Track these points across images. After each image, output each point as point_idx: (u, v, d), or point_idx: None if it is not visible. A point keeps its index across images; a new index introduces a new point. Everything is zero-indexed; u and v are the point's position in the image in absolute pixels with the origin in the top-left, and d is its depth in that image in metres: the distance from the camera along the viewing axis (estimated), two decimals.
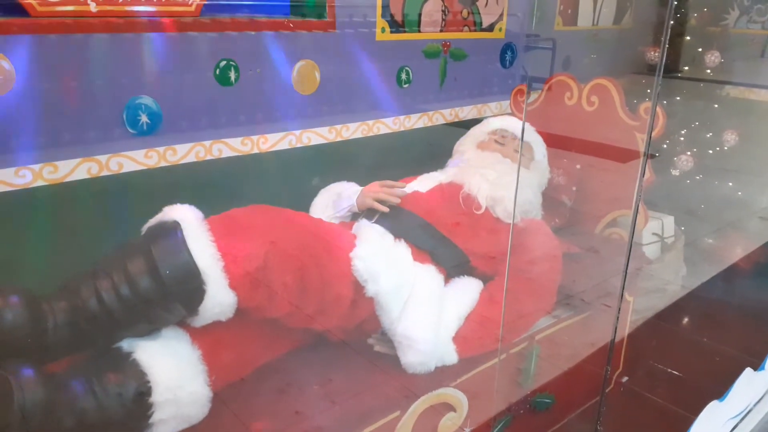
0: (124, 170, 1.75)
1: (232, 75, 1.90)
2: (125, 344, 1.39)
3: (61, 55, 1.60)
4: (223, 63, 1.87)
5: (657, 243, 2.86)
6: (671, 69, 3.91)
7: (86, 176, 1.69)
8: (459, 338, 1.75)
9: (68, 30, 1.59)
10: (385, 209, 1.90)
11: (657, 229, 2.81)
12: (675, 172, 3.21)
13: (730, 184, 3.81)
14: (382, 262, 1.68)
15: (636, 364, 2.50)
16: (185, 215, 1.45)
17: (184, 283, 1.37)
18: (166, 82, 1.79)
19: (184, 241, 1.38)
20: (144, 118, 1.75)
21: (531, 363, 1.99)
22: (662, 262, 2.91)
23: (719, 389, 2.00)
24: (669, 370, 2.65)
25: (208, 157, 1.90)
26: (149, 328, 1.40)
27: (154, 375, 1.34)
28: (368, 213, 1.93)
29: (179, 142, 1.84)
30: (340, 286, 1.62)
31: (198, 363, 1.43)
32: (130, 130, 1.74)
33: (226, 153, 1.94)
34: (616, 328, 1.69)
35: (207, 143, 1.89)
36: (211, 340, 1.48)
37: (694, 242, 3.22)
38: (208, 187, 1.90)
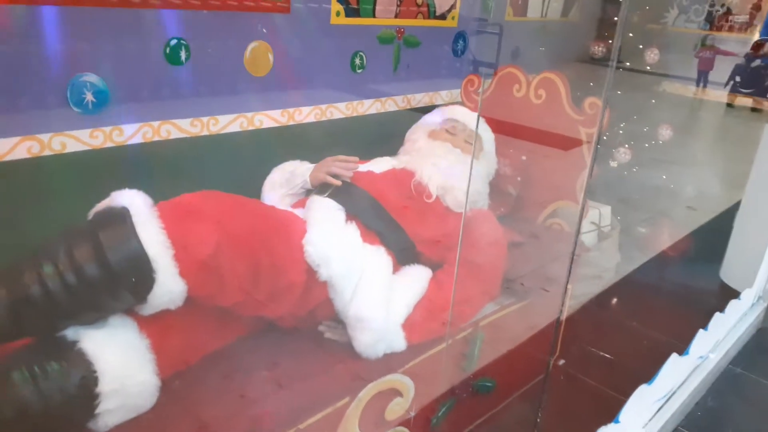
0: (68, 150, 1.68)
1: (183, 54, 1.84)
2: (70, 333, 1.35)
3: (0, 29, 1.52)
4: (174, 41, 1.82)
5: (594, 232, 2.98)
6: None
7: (26, 155, 1.61)
8: (407, 325, 1.79)
9: (8, 1, 1.51)
10: (338, 183, 1.90)
11: (595, 218, 2.93)
12: (613, 164, 3.35)
13: (663, 176, 4.01)
14: (334, 246, 1.69)
15: (572, 348, 2.62)
16: (134, 201, 1.41)
17: (134, 271, 1.34)
18: (114, 59, 1.72)
19: (133, 228, 1.35)
20: (89, 97, 1.68)
21: (475, 348, 2.06)
22: (599, 251, 3.04)
23: (647, 371, 2.12)
24: (602, 353, 2.80)
25: (156, 138, 1.85)
26: (96, 316, 1.37)
27: (101, 364, 1.31)
28: (321, 188, 1.93)
29: (126, 122, 1.78)
30: (293, 273, 1.62)
31: (146, 352, 1.41)
32: (75, 109, 1.67)
33: (175, 134, 1.89)
34: (563, 313, 1.76)
35: (155, 124, 1.84)
36: (159, 329, 1.45)
37: (626, 229, 3.37)
38: (156, 169, 1.85)
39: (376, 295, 1.73)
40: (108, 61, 1.71)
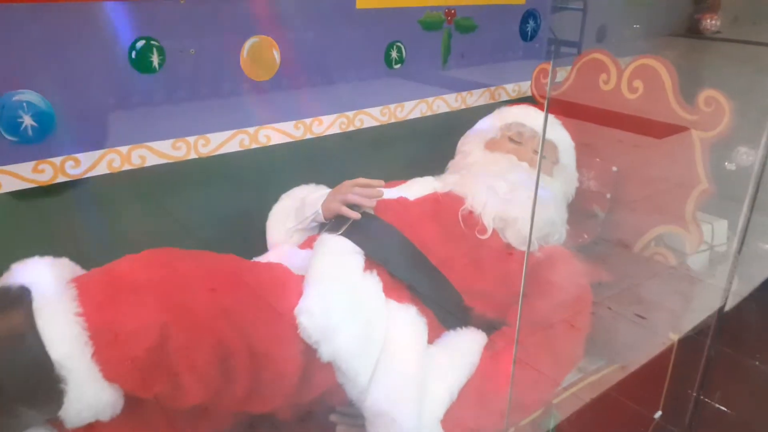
0: (4, 191, 1.31)
1: (155, 58, 1.43)
2: None
3: None
4: (141, 43, 1.40)
5: (705, 252, 2.37)
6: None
7: None
8: (450, 421, 1.29)
9: None
10: (356, 216, 1.44)
11: (707, 235, 2.32)
12: (730, 167, 2.68)
13: None
14: (340, 310, 1.23)
15: (675, 397, 2.07)
16: (39, 277, 1.00)
17: (31, 381, 0.94)
18: (59, 70, 1.33)
19: (31, 319, 0.94)
20: (28, 120, 1.30)
21: None
22: (712, 277, 2.43)
23: None
24: (715, 404, 2.22)
25: (126, 167, 1.45)
26: None
27: None
28: (336, 223, 1.47)
29: (83, 149, 1.39)
30: (284, 359, 1.18)
31: None
32: (8, 137, 1.29)
33: (152, 160, 1.49)
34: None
35: (123, 149, 1.44)
36: None
37: (747, 242, 2.73)
38: (125, 211, 1.46)
39: (403, 379, 1.25)
40: (51, 73, 1.32)
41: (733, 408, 2.12)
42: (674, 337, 1.85)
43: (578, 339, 1.52)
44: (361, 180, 1.50)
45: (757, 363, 2.36)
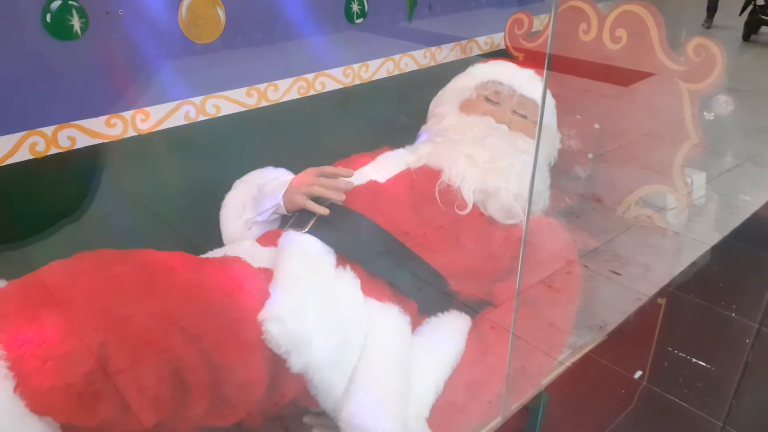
0: None
1: (76, 21, 1.22)
2: None
3: None
4: (57, 3, 1.19)
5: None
6: None
7: None
8: (437, 416, 1.18)
9: None
10: (324, 211, 1.28)
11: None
12: (709, 116, 2.59)
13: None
14: (313, 316, 1.09)
15: (655, 355, 2.01)
16: None
17: None
18: None
19: None
20: None
21: (537, 417, 1.46)
22: (690, 231, 2.36)
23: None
24: (695, 360, 2.17)
25: (53, 150, 1.26)
26: None
27: None
28: (301, 217, 1.31)
29: None
30: (247, 369, 1.03)
31: None
32: None
33: (83, 141, 1.29)
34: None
35: (48, 130, 1.24)
36: None
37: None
38: (45, 202, 1.27)
39: (384, 390, 1.13)
40: None
41: (713, 362, 2.09)
42: (653, 292, 1.78)
43: (570, 311, 1.42)
44: (327, 168, 1.33)
45: (733, 315, 2.33)
